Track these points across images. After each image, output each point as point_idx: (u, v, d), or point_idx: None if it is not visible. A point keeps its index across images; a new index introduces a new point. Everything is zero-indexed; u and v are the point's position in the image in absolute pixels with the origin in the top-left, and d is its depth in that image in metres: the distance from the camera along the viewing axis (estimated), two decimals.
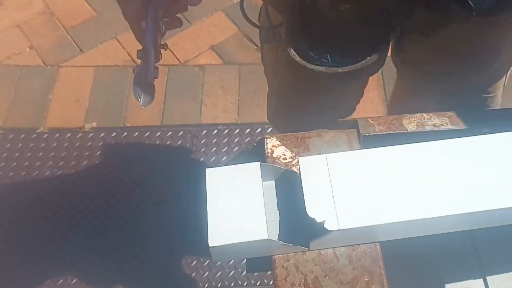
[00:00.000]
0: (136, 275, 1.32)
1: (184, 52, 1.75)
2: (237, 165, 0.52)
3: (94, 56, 1.75)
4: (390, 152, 0.52)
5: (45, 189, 1.45)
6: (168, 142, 1.54)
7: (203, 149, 1.52)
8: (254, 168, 0.51)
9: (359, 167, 0.51)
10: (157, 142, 1.54)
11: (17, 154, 1.52)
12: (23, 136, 1.56)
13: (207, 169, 0.51)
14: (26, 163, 1.50)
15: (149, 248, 1.36)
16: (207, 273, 1.32)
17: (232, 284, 1.31)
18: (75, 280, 1.31)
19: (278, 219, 0.52)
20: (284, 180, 0.54)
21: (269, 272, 0.52)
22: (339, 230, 0.47)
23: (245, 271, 1.31)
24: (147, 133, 1.56)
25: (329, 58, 0.68)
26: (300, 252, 0.51)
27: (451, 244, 0.58)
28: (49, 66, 1.73)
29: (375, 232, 0.50)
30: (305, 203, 0.48)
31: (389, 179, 0.50)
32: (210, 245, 0.48)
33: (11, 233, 1.38)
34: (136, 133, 1.56)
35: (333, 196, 0.49)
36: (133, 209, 1.42)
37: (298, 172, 0.52)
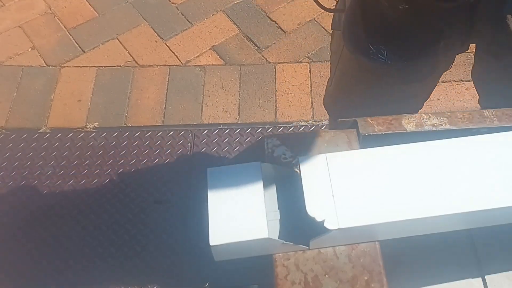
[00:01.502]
0: (137, 274, 1.33)
1: (185, 53, 1.76)
2: (238, 165, 0.53)
3: (96, 56, 1.76)
4: (389, 152, 0.52)
5: (47, 188, 1.46)
6: (169, 142, 1.55)
7: (204, 149, 1.53)
8: (254, 167, 0.52)
9: (359, 166, 0.51)
10: (158, 142, 1.55)
11: (19, 153, 1.53)
12: (25, 135, 1.56)
13: (208, 169, 0.52)
14: (28, 163, 1.51)
15: (150, 247, 1.36)
16: (207, 271, 1.33)
17: (232, 283, 1.31)
18: (76, 278, 1.32)
19: (279, 218, 0.52)
20: (284, 180, 0.55)
21: (269, 271, 0.52)
22: (339, 229, 0.48)
23: (245, 270, 1.32)
24: (149, 133, 1.57)
25: (385, 55, 0.69)
26: (300, 251, 0.51)
27: (451, 244, 0.58)
28: (51, 67, 1.74)
29: (375, 231, 0.50)
30: (305, 202, 0.49)
31: (389, 179, 0.50)
32: (211, 244, 0.48)
33: (13, 231, 1.39)
34: (138, 133, 1.57)
35: (333, 195, 0.49)
36: (134, 208, 1.42)
37: (298, 171, 0.53)
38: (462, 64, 1.67)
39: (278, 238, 0.50)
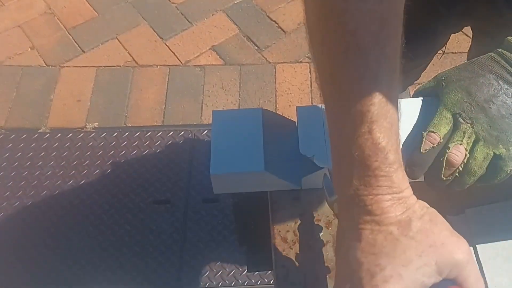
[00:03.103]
0: (137, 274, 1.32)
1: (185, 53, 1.75)
2: (242, 109, 0.56)
3: (96, 56, 1.75)
4: None
5: (47, 189, 1.46)
6: (169, 142, 1.54)
7: (203, 149, 1.53)
8: (256, 112, 0.57)
9: None
10: (158, 142, 1.55)
11: (19, 153, 1.53)
12: (24, 136, 1.56)
13: (213, 111, 0.57)
14: (28, 163, 1.51)
15: (150, 247, 1.36)
16: (207, 272, 1.33)
17: (232, 283, 1.31)
18: (75, 279, 1.31)
19: (275, 158, 0.55)
20: (283, 127, 0.59)
21: (270, 271, 0.53)
22: (328, 167, 0.51)
23: (245, 270, 1.32)
24: (148, 133, 1.56)
25: None
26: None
27: None
28: (50, 66, 1.74)
29: None
30: (299, 144, 0.53)
31: None
32: (211, 173, 0.52)
33: (12, 232, 1.39)
34: (137, 133, 1.56)
35: (325, 140, 0.53)
36: (134, 208, 1.42)
37: (296, 120, 0.57)
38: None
39: (273, 174, 0.53)
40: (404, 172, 0.41)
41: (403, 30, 0.40)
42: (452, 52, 1.69)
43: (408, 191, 0.40)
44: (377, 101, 0.38)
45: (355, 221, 0.40)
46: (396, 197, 0.39)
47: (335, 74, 0.40)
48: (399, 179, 0.40)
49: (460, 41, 1.68)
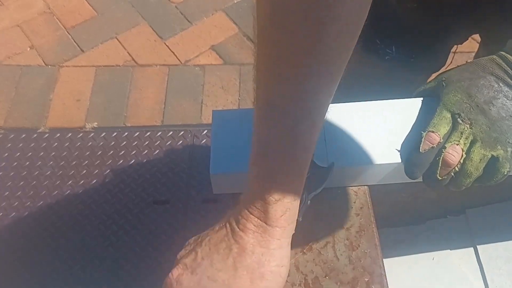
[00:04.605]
0: (136, 275, 1.32)
1: (184, 52, 1.75)
2: (241, 109, 0.56)
3: (95, 56, 1.75)
4: (377, 105, 0.56)
5: (46, 189, 1.46)
6: (169, 142, 1.54)
7: (203, 149, 1.53)
8: None
9: (349, 117, 0.55)
10: (158, 142, 1.54)
11: (18, 153, 1.52)
12: (24, 135, 1.56)
13: (213, 110, 0.57)
14: (27, 163, 1.50)
15: (149, 247, 1.36)
16: None
17: None
18: (75, 279, 1.31)
19: None
20: None
21: None
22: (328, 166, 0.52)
23: None
24: (148, 133, 1.56)
25: (393, 50, 0.72)
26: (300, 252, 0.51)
27: (452, 245, 0.58)
28: (49, 66, 1.73)
29: (360, 173, 0.54)
30: None
31: (377, 128, 0.54)
32: (211, 172, 0.52)
33: (12, 232, 1.39)
34: (137, 133, 1.56)
35: (325, 140, 0.54)
36: (134, 208, 1.42)
37: None
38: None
39: None
40: (292, 213, 0.42)
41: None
42: (453, 52, 1.69)
43: (279, 233, 0.41)
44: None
45: (233, 214, 0.44)
46: (262, 229, 0.41)
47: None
48: (276, 212, 0.41)
49: None
